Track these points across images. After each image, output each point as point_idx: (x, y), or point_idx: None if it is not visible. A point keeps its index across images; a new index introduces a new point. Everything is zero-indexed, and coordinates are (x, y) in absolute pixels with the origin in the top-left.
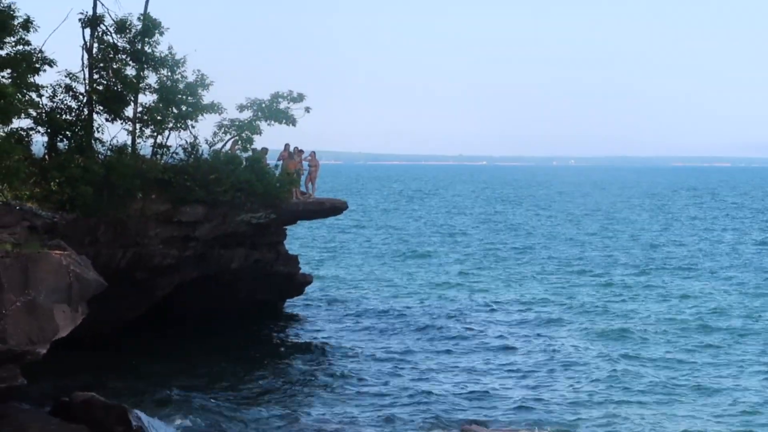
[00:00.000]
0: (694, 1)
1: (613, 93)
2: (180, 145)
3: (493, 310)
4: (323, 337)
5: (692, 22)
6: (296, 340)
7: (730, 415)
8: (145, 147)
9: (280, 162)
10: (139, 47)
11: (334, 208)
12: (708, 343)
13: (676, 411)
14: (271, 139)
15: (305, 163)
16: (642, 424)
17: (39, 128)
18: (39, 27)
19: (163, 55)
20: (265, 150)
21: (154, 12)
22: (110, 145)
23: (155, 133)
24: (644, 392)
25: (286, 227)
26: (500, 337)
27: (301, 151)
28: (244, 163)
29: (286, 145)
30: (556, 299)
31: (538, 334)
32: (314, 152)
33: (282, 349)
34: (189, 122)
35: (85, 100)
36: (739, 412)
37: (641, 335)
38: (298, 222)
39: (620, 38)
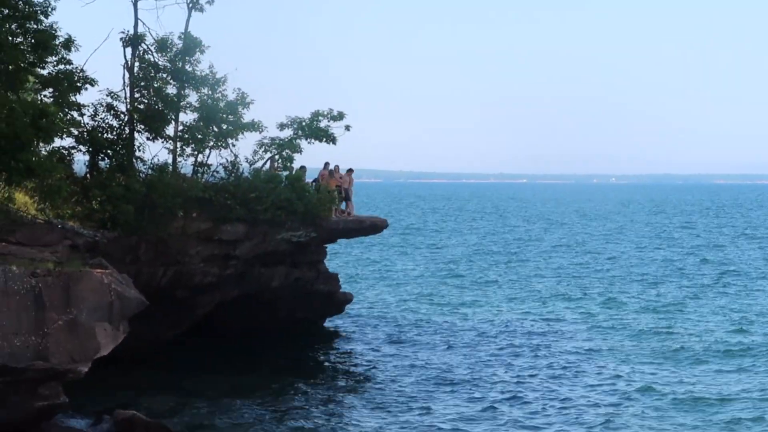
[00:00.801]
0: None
1: (657, 111)
2: (220, 164)
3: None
4: (362, 358)
5: (733, 36)
6: (335, 360)
7: None
8: (186, 166)
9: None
10: (180, 66)
11: (374, 227)
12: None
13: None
14: (311, 157)
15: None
16: None
17: (80, 147)
18: (80, 46)
19: (203, 73)
20: (303, 168)
21: (194, 31)
22: (151, 163)
23: (196, 152)
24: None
25: (326, 245)
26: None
27: (346, 169)
28: (285, 181)
29: (326, 164)
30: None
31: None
32: (351, 169)
33: (322, 368)
34: (229, 141)
35: (126, 119)
36: None
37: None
38: (338, 240)
39: (662, 56)
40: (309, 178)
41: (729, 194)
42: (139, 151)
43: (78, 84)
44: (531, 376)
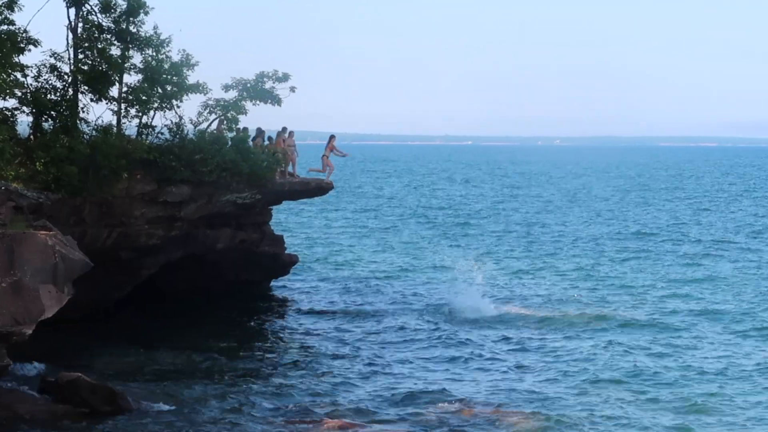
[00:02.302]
0: None
1: (600, 73)
2: (165, 125)
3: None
4: (306, 318)
5: None
6: (280, 321)
7: None
8: (131, 127)
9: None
10: (124, 27)
11: (320, 189)
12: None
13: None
14: (258, 119)
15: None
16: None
17: (24, 108)
18: (23, 6)
19: (148, 34)
20: (260, 131)
21: None
22: (95, 125)
23: (140, 113)
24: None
25: (272, 207)
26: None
27: (288, 132)
28: (229, 143)
29: (283, 128)
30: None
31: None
32: (292, 132)
33: (266, 329)
34: (174, 102)
35: (70, 80)
36: None
37: None
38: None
39: (605, 17)
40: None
41: (687, 157)
42: (83, 112)
43: (21, 45)
44: (473, 328)
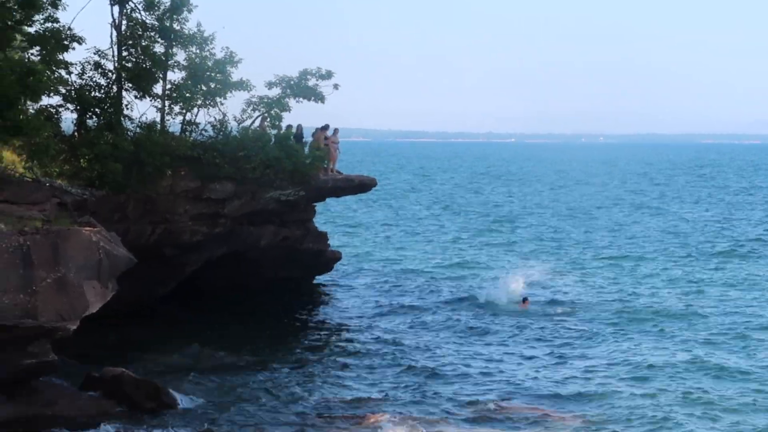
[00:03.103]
0: None
1: (643, 70)
2: (209, 122)
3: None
4: (349, 315)
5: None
6: (323, 317)
7: None
8: (174, 124)
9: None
10: (168, 24)
11: (363, 185)
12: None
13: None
14: (301, 116)
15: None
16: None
17: (68, 105)
18: (68, 5)
19: (191, 32)
20: (300, 127)
21: None
22: (139, 122)
23: (184, 110)
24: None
25: (315, 204)
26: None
27: (333, 129)
28: (273, 140)
29: (326, 125)
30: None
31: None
32: (336, 129)
33: (309, 326)
34: (218, 99)
35: (113, 78)
36: None
37: None
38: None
39: (647, 13)
40: (307, 138)
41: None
42: (127, 109)
43: (65, 42)
44: (521, 330)
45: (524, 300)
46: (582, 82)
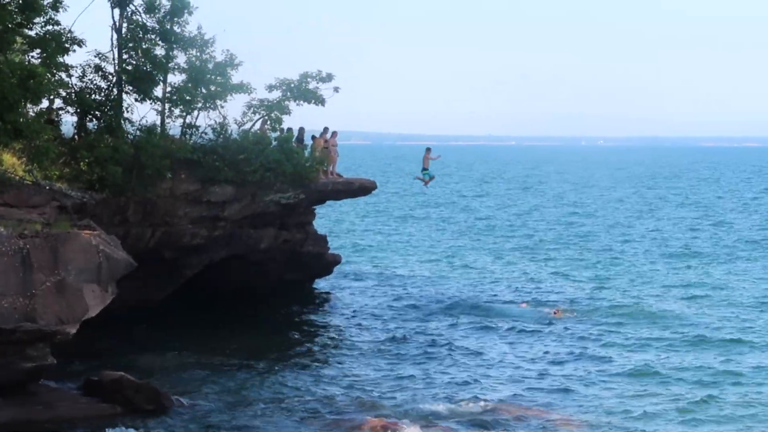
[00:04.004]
0: None
1: (642, 73)
2: (209, 125)
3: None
4: (348, 318)
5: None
6: (322, 320)
7: None
8: (175, 127)
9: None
10: (168, 27)
11: (363, 188)
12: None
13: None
14: (301, 119)
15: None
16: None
17: (69, 108)
18: (68, 7)
19: (192, 35)
20: (302, 130)
21: None
22: (139, 125)
23: (184, 113)
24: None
25: (315, 207)
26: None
27: (331, 132)
28: (273, 143)
29: (325, 128)
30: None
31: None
32: (335, 132)
33: (309, 328)
34: (218, 102)
35: (114, 80)
36: None
37: None
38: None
39: (646, 16)
40: (308, 141)
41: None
42: (128, 112)
43: (66, 45)
44: (524, 334)
45: (555, 311)
46: (581, 85)
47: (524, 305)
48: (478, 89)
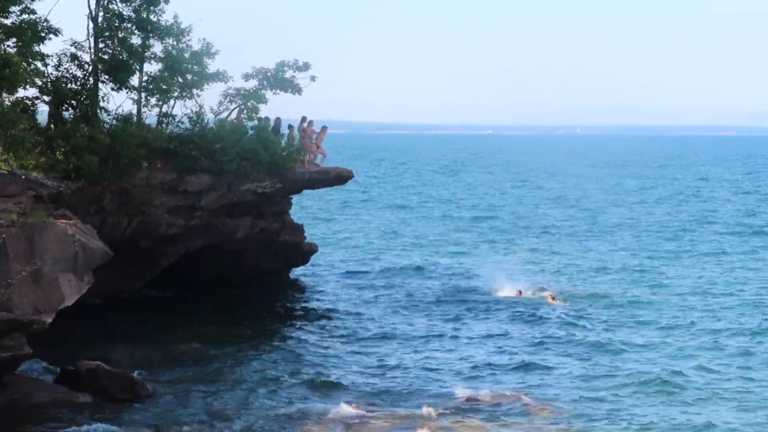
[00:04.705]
0: None
1: (622, 61)
2: (185, 114)
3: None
4: (325, 306)
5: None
6: (300, 309)
7: None
8: (151, 116)
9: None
10: (145, 16)
11: (340, 177)
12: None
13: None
14: (279, 109)
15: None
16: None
17: (44, 97)
18: None
19: (168, 23)
20: (278, 120)
21: None
22: (116, 114)
23: (161, 102)
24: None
25: (292, 196)
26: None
27: (308, 121)
28: (250, 132)
29: (303, 118)
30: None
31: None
32: (312, 122)
33: (286, 317)
34: (194, 91)
35: (90, 69)
36: None
37: None
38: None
39: (622, 5)
40: (284, 130)
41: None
42: (104, 101)
43: (42, 34)
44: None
45: (551, 296)
46: (558, 73)
47: (518, 293)
48: (461, 82)
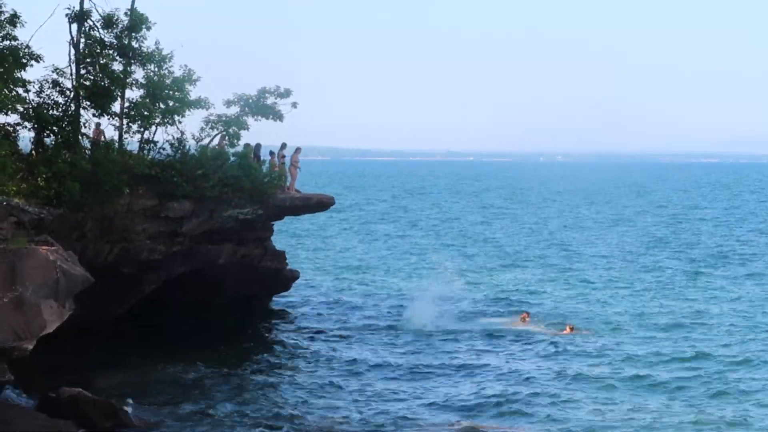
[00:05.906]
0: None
1: (604, 90)
2: (167, 141)
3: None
4: (306, 334)
5: (679, 19)
6: (279, 336)
7: None
8: (132, 142)
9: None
10: (126, 42)
11: (321, 204)
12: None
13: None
14: (260, 135)
15: (287, 160)
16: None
17: (26, 123)
18: (26, 22)
19: (150, 50)
20: (258, 146)
21: (141, 7)
22: (99, 140)
23: (142, 129)
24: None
25: (273, 223)
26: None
27: (298, 149)
28: (231, 158)
29: (283, 144)
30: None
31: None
32: (299, 148)
33: (268, 343)
34: (176, 117)
35: (72, 96)
36: None
37: None
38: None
39: (609, 33)
40: (265, 156)
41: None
42: (85, 127)
43: (23, 60)
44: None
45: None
46: (539, 101)
47: (526, 319)
48: (442, 104)
